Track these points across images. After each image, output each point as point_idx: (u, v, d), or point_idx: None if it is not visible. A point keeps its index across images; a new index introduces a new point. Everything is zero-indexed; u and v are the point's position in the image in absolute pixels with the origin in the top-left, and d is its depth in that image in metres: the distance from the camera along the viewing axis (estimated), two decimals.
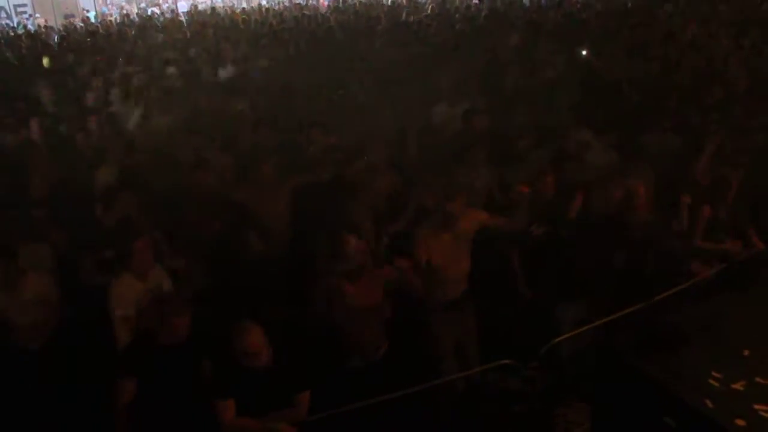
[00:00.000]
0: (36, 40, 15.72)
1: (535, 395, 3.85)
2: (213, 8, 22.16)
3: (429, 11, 17.39)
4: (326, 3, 23.46)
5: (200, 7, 24.35)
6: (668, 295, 4.11)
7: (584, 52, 9.47)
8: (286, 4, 23.19)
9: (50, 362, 4.12)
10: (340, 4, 21.68)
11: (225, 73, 10.15)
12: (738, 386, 3.27)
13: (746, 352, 3.49)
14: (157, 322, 3.50)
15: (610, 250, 4.35)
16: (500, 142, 5.73)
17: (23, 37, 16.87)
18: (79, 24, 20.85)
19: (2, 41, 16.78)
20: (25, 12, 24.53)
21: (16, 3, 24.81)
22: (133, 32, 16.86)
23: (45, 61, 11.80)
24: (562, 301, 4.35)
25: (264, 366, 3.31)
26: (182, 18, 20.57)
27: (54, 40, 16.42)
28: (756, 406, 3.12)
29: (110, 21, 21.03)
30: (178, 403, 3.41)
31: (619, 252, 4.37)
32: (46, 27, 19.62)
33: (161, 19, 20.56)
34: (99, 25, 20.11)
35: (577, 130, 5.72)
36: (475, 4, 17.91)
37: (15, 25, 22.10)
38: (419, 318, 4.17)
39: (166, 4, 27.72)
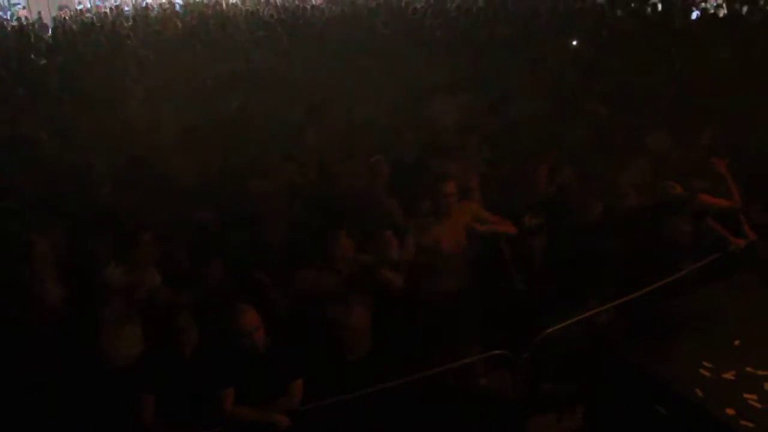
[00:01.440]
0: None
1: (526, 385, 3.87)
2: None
3: None
4: None
5: None
6: (659, 285, 4.12)
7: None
8: None
9: None
10: None
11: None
12: (729, 375, 3.28)
13: (737, 342, 3.50)
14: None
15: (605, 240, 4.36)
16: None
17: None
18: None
19: None
20: (18, 3, 24.37)
21: None
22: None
23: None
24: (555, 292, 4.35)
25: (261, 347, 3.39)
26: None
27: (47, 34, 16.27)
28: (746, 395, 3.14)
29: (105, 13, 20.91)
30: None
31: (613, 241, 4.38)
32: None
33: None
34: (94, 16, 20.01)
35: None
36: None
37: (9, 17, 21.96)
38: (412, 309, 4.17)
39: None
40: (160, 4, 22.34)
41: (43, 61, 12.27)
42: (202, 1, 21.76)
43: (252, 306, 3.47)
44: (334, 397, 3.45)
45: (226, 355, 3.43)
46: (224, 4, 20.83)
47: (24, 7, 23.96)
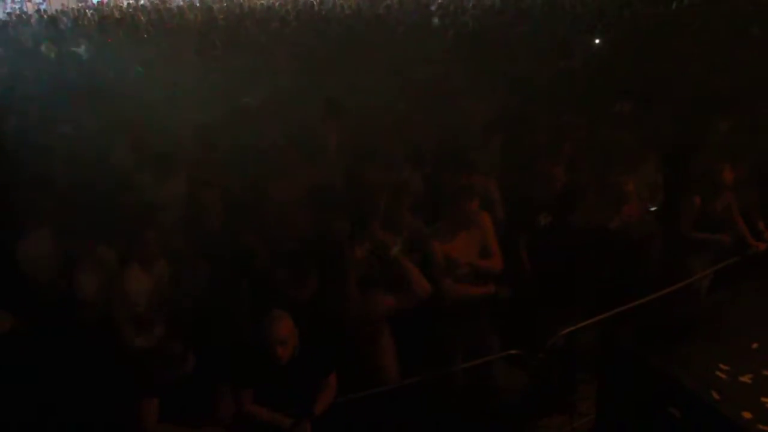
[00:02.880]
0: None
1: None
2: None
3: None
4: None
5: None
6: (677, 288, 4.10)
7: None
8: None
9: None
10: None
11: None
12: (745, 379, 3.26)
13: (754, 345, 3.47)
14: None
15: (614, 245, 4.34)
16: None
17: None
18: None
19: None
20: None
21: None
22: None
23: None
24: (568, 293, 4.33)
25: (290, 355, 3.35)
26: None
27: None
28: (763, 399, 3.11)
29: (122, 6, 21.08)
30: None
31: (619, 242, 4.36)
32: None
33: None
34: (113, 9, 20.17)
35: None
36: None
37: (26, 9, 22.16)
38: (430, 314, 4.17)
39: None
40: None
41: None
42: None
43: (286, 313, 3.41)
44: (349, 395, 3.46)
45: (253, 361, 3.39)
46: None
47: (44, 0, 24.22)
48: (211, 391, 3.39)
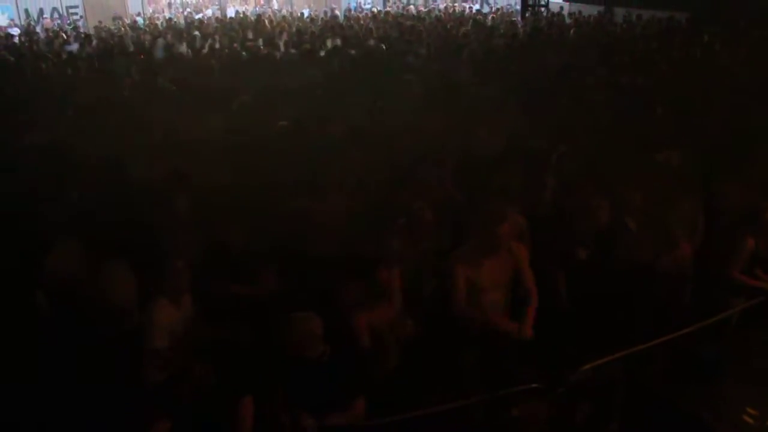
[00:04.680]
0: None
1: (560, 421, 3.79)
2: (258, 15, 22.52)
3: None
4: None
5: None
6: (704, 325, 4.01)
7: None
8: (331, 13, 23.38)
9: None
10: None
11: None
12: None
13: None
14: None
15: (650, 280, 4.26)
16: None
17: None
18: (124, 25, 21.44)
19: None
20: (76, 13, 25.31)
21: (68, 4, 25.66)
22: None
23: None
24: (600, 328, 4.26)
25: (319, 358, 3.36)
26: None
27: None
28: None
29: (156, 24, 21.60)
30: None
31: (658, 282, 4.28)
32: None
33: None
34: (147, 27, 20.67)
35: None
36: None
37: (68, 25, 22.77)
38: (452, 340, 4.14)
39: (210, 10, 28.43)
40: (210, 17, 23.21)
41: None
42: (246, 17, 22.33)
43: (314, 313, 3.43)
44: (365, 422, 3.43)
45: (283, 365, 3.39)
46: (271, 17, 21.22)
47: (81, 17, 24.91)
48: (230, 405, 3.39)
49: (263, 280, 4.46)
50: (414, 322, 4.12)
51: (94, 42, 16.24)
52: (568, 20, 18.03)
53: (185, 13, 25.87)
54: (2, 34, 19.20)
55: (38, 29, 21.37)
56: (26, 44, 15.81)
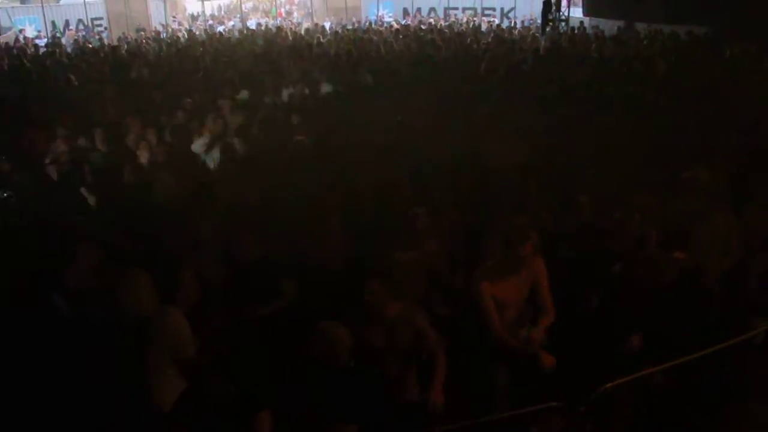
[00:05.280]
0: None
1: None
2: (278, 27, 22.74)
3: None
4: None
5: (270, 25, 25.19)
6: (729, 345, 3.94)
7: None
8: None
9: None
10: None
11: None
12: None
13: None
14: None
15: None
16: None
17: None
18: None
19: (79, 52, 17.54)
20: (101, 25, 25.76)
21: (93, 16, 26.14)
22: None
23: None
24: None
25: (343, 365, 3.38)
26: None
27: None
28: None
29: (178, 36, 21.89)
30: None
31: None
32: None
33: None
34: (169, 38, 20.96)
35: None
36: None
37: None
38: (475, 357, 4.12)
39: (231, 22, 28.79)
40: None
41: None
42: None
43: (342, 325, 3.45)
44: None
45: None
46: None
47: (105, 28, 25.36)
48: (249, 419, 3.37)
49: (285, 293, 4.48)
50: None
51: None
52: (589, 33, 18.01)
53: (207, 26, 26.22)
54: (31, 45, 19.61)
55: (63, 40, 21.79)
56: (54, 55, 16.10)
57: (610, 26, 18.90)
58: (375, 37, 18.65)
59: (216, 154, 6.89)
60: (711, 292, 4.28)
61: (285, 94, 10.19)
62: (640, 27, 18.06)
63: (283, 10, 32.35)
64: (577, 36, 17.51)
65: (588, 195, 5.20)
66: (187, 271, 4.02)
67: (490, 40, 17.57)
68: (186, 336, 3.82)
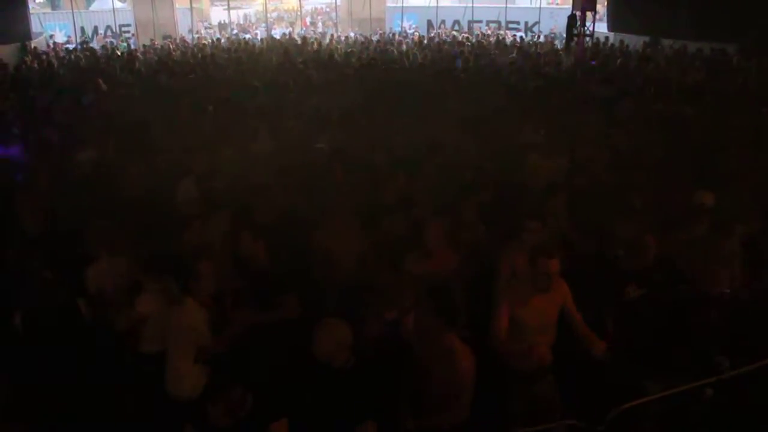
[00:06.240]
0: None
1: None
2: (303, 37, 22.94)
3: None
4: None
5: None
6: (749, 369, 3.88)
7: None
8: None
9: None
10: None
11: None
12: None
13: None
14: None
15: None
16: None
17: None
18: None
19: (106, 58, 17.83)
20: (128, 32, 26.20)
21: (121, 23, 26.59)
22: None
23: None
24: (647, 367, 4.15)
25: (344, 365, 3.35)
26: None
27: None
28: None
29: (204, 43, 22.15)
30: None
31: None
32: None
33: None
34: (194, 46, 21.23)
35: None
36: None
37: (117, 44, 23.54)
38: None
39: (257, 31, 29.10)
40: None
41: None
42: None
43: (343, 321, 3.44)
44: None
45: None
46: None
47: (133, 35, 25.77)
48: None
49: (288, 304, 4.46)
50: None
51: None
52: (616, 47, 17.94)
53: (232, 34, 26.52)
54: (60, 50, 20.02)
55: (92, 45, 22.20)
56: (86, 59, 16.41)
57: (635, 42, 18.79)
58: (398, 48, 18.76)
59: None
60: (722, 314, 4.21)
61: (309, 103, 10.24)
62: (666, 43, 17.95)
63: (307, 19, 32.63)
64: (603, 50, 17.43)
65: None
66: (204, 262, 4.01)
67: (515, 54, 17.57)
68: (202, 326, 3.92)
